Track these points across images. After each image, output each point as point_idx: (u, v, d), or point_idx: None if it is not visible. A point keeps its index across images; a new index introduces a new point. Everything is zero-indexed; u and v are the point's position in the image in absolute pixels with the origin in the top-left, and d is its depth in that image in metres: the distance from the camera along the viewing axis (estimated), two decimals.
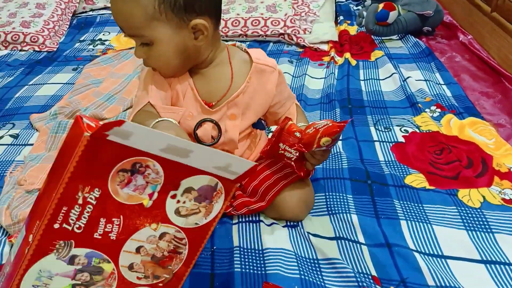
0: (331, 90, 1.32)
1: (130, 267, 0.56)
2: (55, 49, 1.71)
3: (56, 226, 0.49)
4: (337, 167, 0.97)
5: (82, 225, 0.50)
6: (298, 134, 0.77)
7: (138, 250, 0.55)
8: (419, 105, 1.20)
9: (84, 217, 0.50)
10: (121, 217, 0.52)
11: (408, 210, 0.86)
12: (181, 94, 0.80)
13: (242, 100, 0.81)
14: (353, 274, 0.71)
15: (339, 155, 1.00)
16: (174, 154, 0.50)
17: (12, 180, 0.96)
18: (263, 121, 0.92)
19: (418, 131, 1.11)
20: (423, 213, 0.85)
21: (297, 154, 0.78)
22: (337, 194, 0.89)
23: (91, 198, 0.49)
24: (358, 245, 0.78)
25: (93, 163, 0.47)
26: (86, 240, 0.51)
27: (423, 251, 0.77)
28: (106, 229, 0.52)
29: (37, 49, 1.71)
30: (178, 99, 0.80)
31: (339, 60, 1.53)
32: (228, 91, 0.80)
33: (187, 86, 0.79)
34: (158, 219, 0.54)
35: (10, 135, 1.16)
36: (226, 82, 0.80)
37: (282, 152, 0.79)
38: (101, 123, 0.47)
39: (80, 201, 0.49)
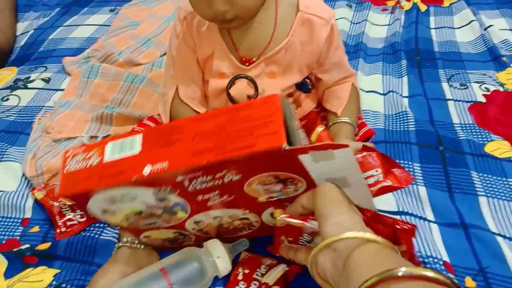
0: (396, 39, 1.21)
1: (196, 222, 0.59)
2: None
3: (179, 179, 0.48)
4: (402, 129, 0.90)
5: (198, 188, 0.49)
6: (298, 222, 0.56)
7: (215, 217, 0.58)
8: (504, 58, 1.09)
9: (205, 185, 0.49)
10: (232, 197, 0.52)
11: (489, 185, 0.77)
12: (211, 51, 0.70)
13: (284, 57, 0.69)
14: (419, 256, 0.64)
15: (404, 115, 0.92)
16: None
17: (40, 127, 0.93)
18: (308, 81, 0.79)
19: (502, 89, 1.00)
20: (508, 189, 0.76)
21: (310, 237, 0.60)
22: (402, 161, 0.83)
23: (227, 177, 0.48)
24: (426, 222, 0.71)
25: (260, 161, 0.46)
26: (187, 194, 0.51)
27: (508, 236, 0.68)
28: (212, 198, 0.52)
29: None
30: (210, 58, 0.71)
31: (406, 4, 1.41)
32: (269, 44, 0.68)
33: (217, 40, 0.69)
34: (253, 210, 0.56)
35: (42, 79, 1.15)
36: (268, 33, 0.68)
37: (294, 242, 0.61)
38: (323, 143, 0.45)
39: (217, 175, 0.48)
